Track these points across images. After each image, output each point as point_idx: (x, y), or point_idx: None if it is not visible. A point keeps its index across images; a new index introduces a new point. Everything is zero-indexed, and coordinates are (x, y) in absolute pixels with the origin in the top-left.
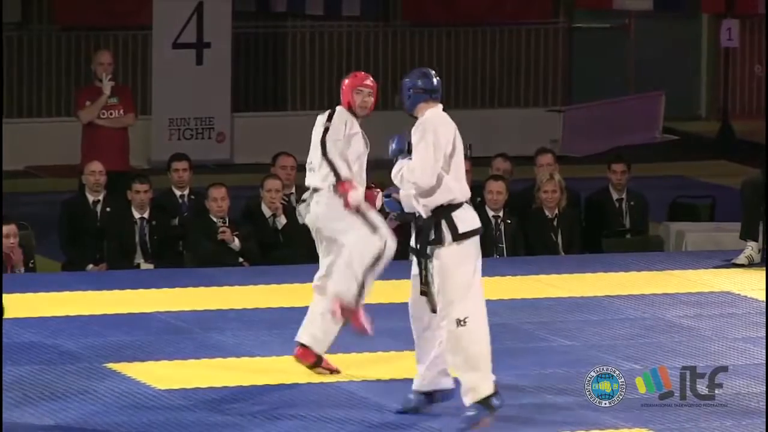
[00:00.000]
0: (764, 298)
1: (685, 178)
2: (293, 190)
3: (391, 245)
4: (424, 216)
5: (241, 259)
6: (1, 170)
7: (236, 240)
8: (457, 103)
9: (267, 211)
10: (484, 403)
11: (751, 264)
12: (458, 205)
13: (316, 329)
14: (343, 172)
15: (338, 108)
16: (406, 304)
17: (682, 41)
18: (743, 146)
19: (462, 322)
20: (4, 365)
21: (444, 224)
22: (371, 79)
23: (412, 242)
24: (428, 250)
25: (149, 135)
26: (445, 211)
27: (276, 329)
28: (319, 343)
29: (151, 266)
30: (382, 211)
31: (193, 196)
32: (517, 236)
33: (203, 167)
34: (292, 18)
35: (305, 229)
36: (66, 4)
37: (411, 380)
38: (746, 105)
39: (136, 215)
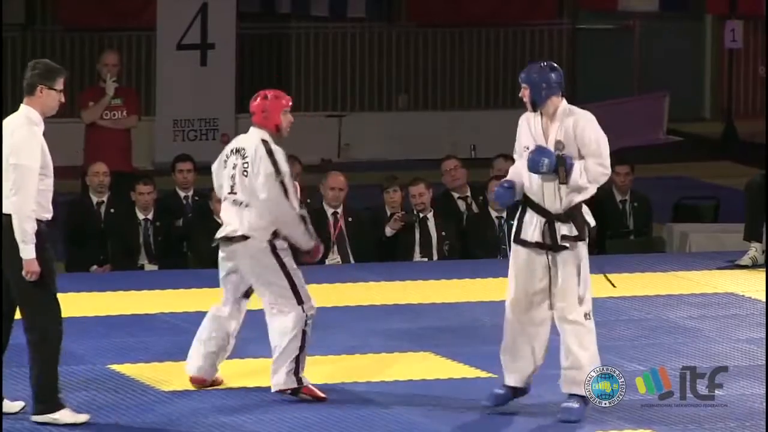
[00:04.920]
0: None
1: (689, 179)
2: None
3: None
4: (559, 211)
5: None
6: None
7: None
8: (461, 103)
9: None
10: (585, 398)
11: (754, 265)
12: (582, 203)
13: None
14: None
15: (272, 146)
16: (403, 305)
17: (686, 42)
18: (747, 147)
19: (588, 316)
20: (7, 367)
21: (580, 220)
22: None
23: (535, 236)
24: (564, 244)
25: (153, 136)
26: (578, 207)
27: None
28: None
29: (155, 267)
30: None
31: (197, 197)
32: None
33: (207, 168)
34: (296, 19)
35: None
36: (70, 5)
37: (413, 381)
38: (750, 106)
39: (140, 216)
